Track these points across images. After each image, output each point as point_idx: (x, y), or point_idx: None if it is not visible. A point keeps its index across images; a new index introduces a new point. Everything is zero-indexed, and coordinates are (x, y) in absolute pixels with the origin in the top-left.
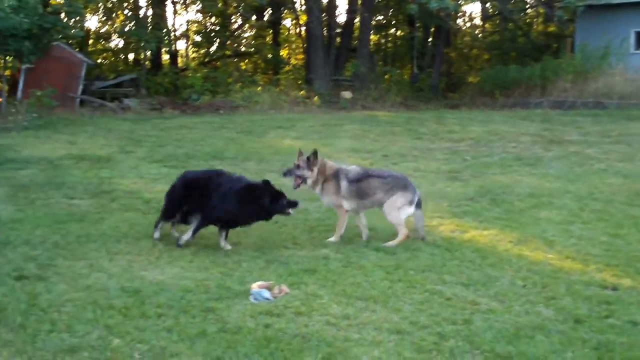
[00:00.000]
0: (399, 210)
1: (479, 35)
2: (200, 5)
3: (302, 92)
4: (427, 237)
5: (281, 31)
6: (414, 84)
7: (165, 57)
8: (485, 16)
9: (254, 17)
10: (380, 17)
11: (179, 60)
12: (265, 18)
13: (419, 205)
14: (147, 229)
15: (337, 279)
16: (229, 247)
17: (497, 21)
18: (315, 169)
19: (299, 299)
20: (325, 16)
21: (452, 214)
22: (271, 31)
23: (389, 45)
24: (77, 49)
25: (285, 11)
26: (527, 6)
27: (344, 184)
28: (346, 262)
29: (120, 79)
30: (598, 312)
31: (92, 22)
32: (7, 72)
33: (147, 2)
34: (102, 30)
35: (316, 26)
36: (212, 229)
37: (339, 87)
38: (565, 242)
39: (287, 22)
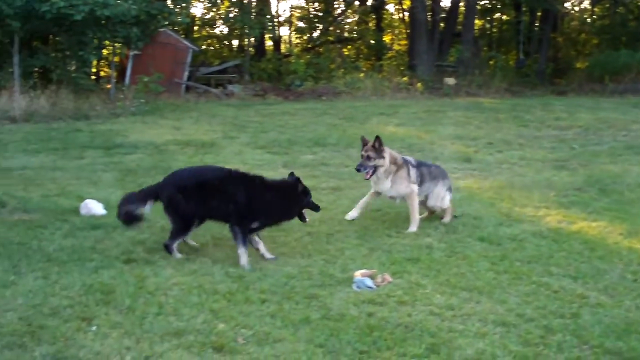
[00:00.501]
0: (443, 200)
1: (588, 20)
2: None
3: (405, 79)
4: (533, 227)
5: (384, 16)
6: (519, 70)
7: (269, 44)
8: (594, 0)
9: (356, 3)
10: (486, 1)
11: (282, 46)
12: (369, 3)
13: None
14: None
15: (440, 268)
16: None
17: (607, 5)
18: (387, 155)
19: (402, 288)
20: (429, 1)
21: (559, 204)
22: (374, 16)
23: (494, 30)
24: (183, 36)
25: None
26: None
27: (412, 170)
28: (450, 251)
29: (225, 65)
30: None
31: (198, 8)
32: (116, 59)
33: None
34: (207, 16)
35: (420, 11)
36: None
37: (442, 73)
38: None
39: (391, 7)
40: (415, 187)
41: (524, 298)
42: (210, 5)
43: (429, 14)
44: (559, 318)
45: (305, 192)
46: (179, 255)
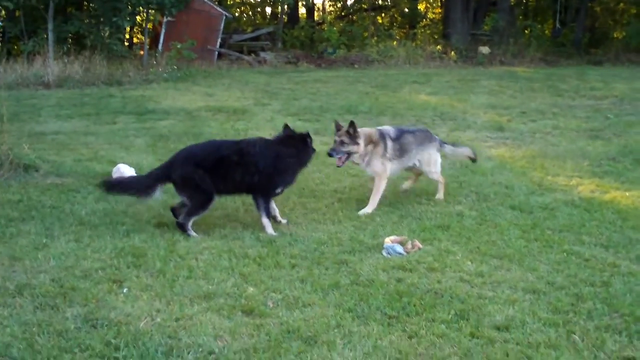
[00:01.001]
0: (436, 164)
1: None
2: None
3: (438, 47)
4: (565, 196)
5: None
6: (555, 39)
7: (302, 11)
8: None
9: None
10: None
11: (316, 13)
12: None
13: None
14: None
15: (471, 236)
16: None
17: None
18: (361, 141)
19: (432, 254)
20: None
21: (592, 174)
22: None
23: None
24: (217, 3)
25: None
26: None
27: (389, 143)
28: (481, 219)
29: (257, 33)
30: None
31: None
32: (149, 25)
33: None
34: None
35: None
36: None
37: (476, 41)
38: None
39: None
40: (388, 167)
41: (554, 266)
42: None
43: None
44: (590, 286)
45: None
46: (194, 234)
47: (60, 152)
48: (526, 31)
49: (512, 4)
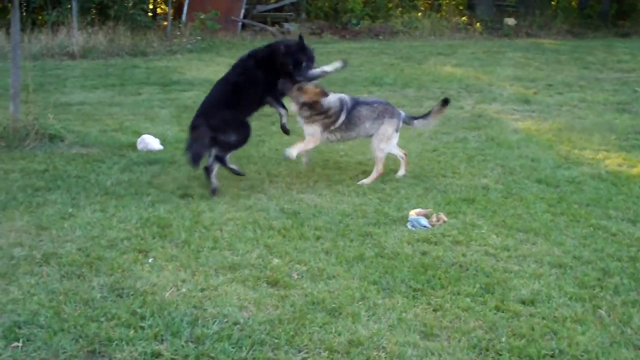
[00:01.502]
0: (387, 141)
1: None
2: None
3: (463, 18)
4: (592, 170)
5: None
6: (582, 11)
7: None
8: None
9: None
10: None
11: None
12: None
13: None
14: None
15: (496, 209)
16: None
17: None
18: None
19: (457, 227)
20: None
21: (620, 148)
22: None
23: None
24: None
25: None
26: None
27: (343, 117)
28: (506, 193)
29: (281, 3)
30: None
31: None
32: None
33: None
34: None
35: None
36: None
37: (502, 13)
38: None
39: None
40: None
41: (581, 240)
42: None
43: None
44: (617, 261)
45: None
46: (235, 167)
47: (86, 122)
48: (553, 2)
49: None
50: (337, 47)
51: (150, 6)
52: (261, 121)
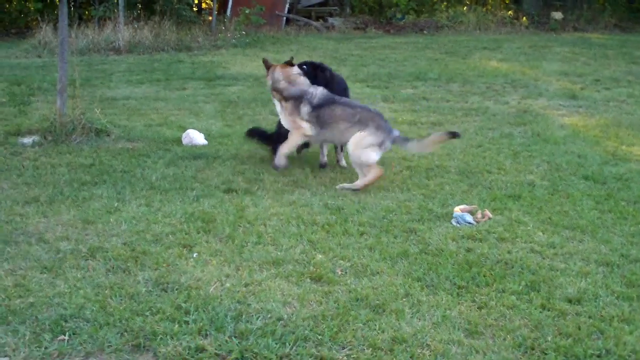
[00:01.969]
0: (364, 151)
1: None
2: None
3: (509, 12)
4: (639, 167)
5: None
6: (630, 5)
7: None
8: None
9: None
10: None
11: None
12: None
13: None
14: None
15: (542, 206)
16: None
17: None
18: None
19: (502, 224)
20: None
21: None
22: None
23: None
24: None
25: None
26: None
27: (304, 108)
28: (553, 189)
29: None
30: None
31: None
32: None
33: None
34: None
35: None
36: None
37: (549, 7)
38: None
39: None
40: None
41: (629, 238)
42: None
43: None
44: None
45: None
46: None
47: (131, 117)
48: None
49: None
50: (381, 41)
51: (196, 1)
52: None
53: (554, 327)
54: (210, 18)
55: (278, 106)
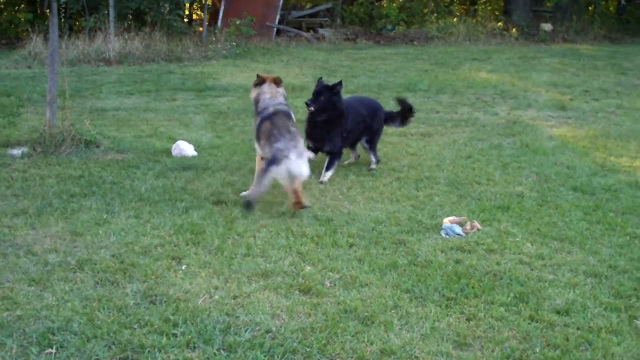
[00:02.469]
0: (269, 167)
1: None
2: None
3: (499, 24)
4: (628, 178)
5: None
6: (620, 16)
7: None
8: None
9: None
10: None
11: None
12: None
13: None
14: (343, 158)
15: (531, 217)
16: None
17: None
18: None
19: (491, 236)
20: None
21: None
22: None
23: None
24: None
25: None
26: None
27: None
28: (541, 200)
29: (316, 9)
30: None
31: None
32: (209, 2)
33: None
34: None
35: None
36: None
37: (538, 18)
38: None
39: None
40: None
41: (617, 249)
42: None
43: None
44: None
45: None
46: None
47: (121, 128)
48: (590, 8)
49: None
50: (372, 52)
51: (186, 12)
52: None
53: (542, 338)
54: (201, 29)
55: None
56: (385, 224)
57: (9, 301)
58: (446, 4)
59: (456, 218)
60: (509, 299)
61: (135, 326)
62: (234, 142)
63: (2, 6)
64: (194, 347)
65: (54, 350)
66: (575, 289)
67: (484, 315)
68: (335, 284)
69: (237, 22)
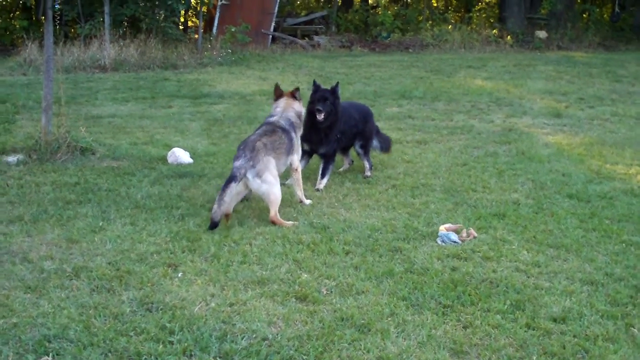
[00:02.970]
0: (227, 184)
1: None
2: None
3: (494, 31)
4: (624, 185)
5: None
6: (614, 24)
7: None
8: None
9: None
10: None
11: None
12: None
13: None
14: (337, 166)
15: (527, 224)
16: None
17: None
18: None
19: (487, 243)
20: None
21: None
22: None
23: None
24: None
25: None
26: None
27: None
28: (537, 208)
29: (311, 16)
30: None
31: None
32: (204, 9)
33: None
34: None
35: None
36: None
37: (533, 26)
38: None
39: None
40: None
41: (613, 257)
42: None
43: None
44: None
45: None
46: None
47: (116, 135)
48: (584, 15)
49: None
50: (367, 60)
51: (182, 19)
52: None
53: (539, 346)
54: (197, 36)
55: None
56: (381, 231)
57: (5, 308)
58: (441, 12)
59: (452, 225)
60: (506, 306)
61: (132, 334)
62: (229, 149)
63: None
64: (191, 355)
65: (50, 358)
66: (571, 297)
67: (481, 323)
68: (331, 292)
69: (233, 29)
